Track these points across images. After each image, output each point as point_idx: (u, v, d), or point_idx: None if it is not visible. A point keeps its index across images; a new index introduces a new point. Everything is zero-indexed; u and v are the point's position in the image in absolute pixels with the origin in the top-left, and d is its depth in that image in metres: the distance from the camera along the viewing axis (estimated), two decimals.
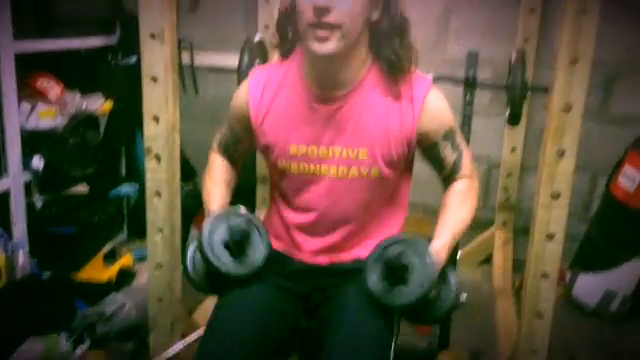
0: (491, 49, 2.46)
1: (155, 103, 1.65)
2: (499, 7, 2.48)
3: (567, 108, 1.39)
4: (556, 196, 1.44)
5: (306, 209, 1.38)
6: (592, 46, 1.37)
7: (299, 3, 1.18)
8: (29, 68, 2.16)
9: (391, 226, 1.42)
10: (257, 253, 1.35)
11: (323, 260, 1.42)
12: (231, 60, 1.92)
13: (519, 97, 1.79)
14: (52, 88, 2.23)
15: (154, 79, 1.64)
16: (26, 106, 2.10)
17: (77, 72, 2.44)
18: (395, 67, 1.27)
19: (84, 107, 2.32)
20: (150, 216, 1.70)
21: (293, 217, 1.42)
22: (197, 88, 2.72)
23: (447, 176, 1.40)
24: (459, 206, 1.37)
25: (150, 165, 1.67)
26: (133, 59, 2.53)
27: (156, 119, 1.66)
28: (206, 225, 1.33)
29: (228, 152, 1.53)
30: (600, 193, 2.51)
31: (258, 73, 1.40)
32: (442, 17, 2.58)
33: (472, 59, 1.90)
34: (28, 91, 2.17)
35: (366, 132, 1.29)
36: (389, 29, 1.25)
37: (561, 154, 1.41)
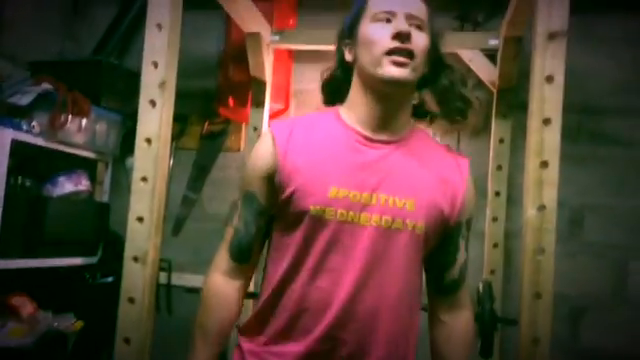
0: None
1: (129, 324, 1.66)
2: None
3: (535, 341, 1.43)
4: None
5: (337, 275, 1.15)
6: (552, 282, 1.47)
7: (372, 34, 1.18)
8: (4, 285, 2.18)
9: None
10: None
11: None
12: None
13: (489, 329, 1.83)
14: (25, 306, 2.23)
15: (131, 300, 1.67)
16: None
17: (52, 290, 2.45)
18: (459, 111, 1.34)
19: (55, 325, 2.28)
20: None
21: (315, 298, 1.16)
22: (171, 309, 2.74)
23: (450, 283, 1.29)
24: None
25: None
26: (109, 279, 2.58)
27: (127, 341, 1.65)
28: None
29: (241, 251, 1.28)
30: None
31: (278, 123, 1.28)
32: None
33: None
34: (0, 308, 2.16)
35: (415, 182, 1.20)
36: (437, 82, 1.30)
37: None
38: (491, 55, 2.49)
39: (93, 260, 2.60)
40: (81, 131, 2.37)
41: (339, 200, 1.15)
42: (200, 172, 2.85)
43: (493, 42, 2.41)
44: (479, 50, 2.50)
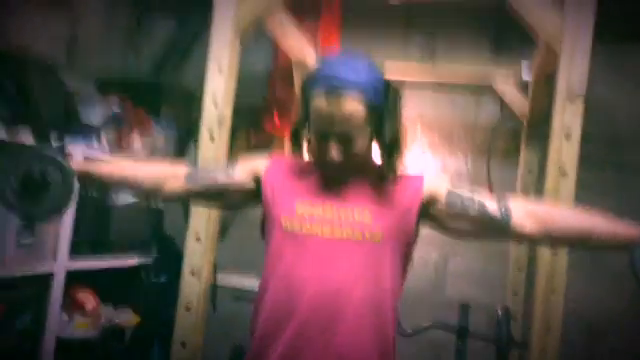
0: (486, 296, 2.72)
1: (186, 330, 1.90)
2: (490, 259, 2.80)
3: None
4: None
5: (302, 283, 1.32)
6: (560, 319, 1.64)
7: (314, 112, 1.31)
8: (72, 281, 2.44)
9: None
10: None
11: None
12: (249, 282, 2.15)
13: (505, 351, 2.00)
14: (89, 301, 2.48)
15: (188, 308, 1.91)
16: (64, 317, 2.34)
17: (112, 287, 2.70)
18: (392, 145, 1.36)
19: (115, 320, 2.54)
20: None
21: (283, 299, 1.33)
22: (215, 307, 2.98)
23: (502, 220, 1.35)
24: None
25: None
26: (163, 278, 2.83)
27: (184, 345, 1.89)
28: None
29: (193, 175, 1.51)
30: None
31: (276, 156, 1.53)
32: (440, 261, 2.88)
33: (464, 311, 2.16)
34: (68, 302, 2.43)
35: (372, 199, 1.37)
36: (386, 139, 1.35)
37: None
38: (523, 87, 2.63)
39: (148, 260, 2.84)
40: (143, 146, 2.62)
41: (304, 215, 1.35)
42: None
43: (526, 77, 2.55)
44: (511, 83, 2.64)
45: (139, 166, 1.57)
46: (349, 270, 1.32)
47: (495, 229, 1.38)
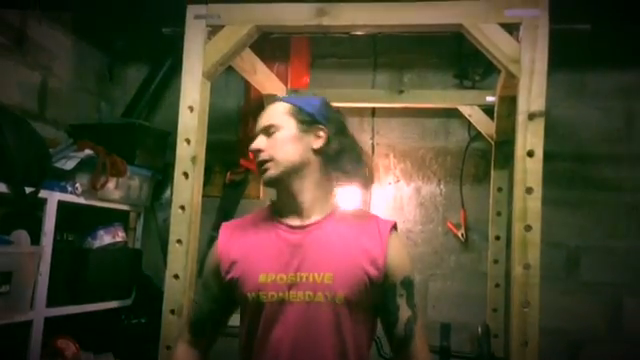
0: (467, 316, 2.75)
1: None
2: (470, 280, 2.84)
3: None
4: None
5: (276, 347, 1.37)
6: (537, 331, 1.67)
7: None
8: (51, 329, 2.40)
9: None
10: None
11: None
12: (233, 318, 2.15)
13: None
14: (69, 348, 2.45)
15: (169, 348, 1.90)
16: None
17: (92, 332, 2.67)
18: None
19: None
20: None
21: None
22: None
23: (399, 341, 1.42)
24: None
25: None
26: (143, 319, 2.80)
27: None
28: None
29: (197, 327, 1.56)
30: None
31: (226, 225, 1.55)
32: (420, 285, 2.90)
33: (445, 330, 2.19)
34: (47, 350, 2.39)
35: (331, 258, 1.38)
36: (336, 153, 1.43)
37: None
38: (489, 110, 2.71)
39: (128, 302, 2.82)
40: (117, 188, 2.62)
41: (268, 284, 1.39)
42: (224, 217, 3.08)
43: (490, 99, 2.64)
44: (477, 106, 2.73)
45: None
46: (315, 331, 1.36)
47: (391, 341, 1.46)
